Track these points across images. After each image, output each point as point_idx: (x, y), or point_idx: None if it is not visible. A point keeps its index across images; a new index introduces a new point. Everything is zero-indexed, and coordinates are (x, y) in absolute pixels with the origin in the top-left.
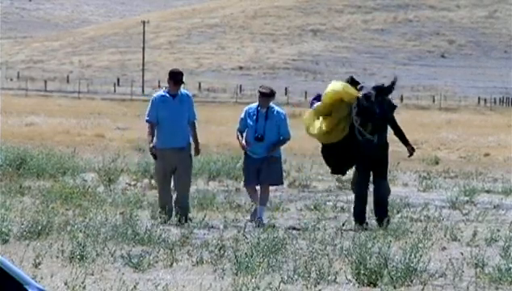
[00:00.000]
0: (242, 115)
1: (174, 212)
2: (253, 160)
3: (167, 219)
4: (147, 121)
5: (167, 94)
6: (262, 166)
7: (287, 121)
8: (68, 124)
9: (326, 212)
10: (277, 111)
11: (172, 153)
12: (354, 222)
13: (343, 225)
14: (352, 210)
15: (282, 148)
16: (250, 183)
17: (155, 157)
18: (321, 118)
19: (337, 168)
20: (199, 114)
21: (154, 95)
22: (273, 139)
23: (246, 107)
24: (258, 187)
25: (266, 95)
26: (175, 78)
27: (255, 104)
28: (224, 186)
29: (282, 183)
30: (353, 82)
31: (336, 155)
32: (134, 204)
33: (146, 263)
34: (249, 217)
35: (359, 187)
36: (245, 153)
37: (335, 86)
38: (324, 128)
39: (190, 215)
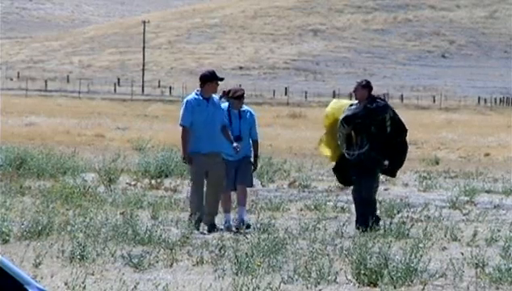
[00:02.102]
0: None
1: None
2: (229, 162)
3: (198, 226)
4: (182, 125)
5: (201, 97)
6: (238, 168)
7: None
8: (68, 124)
9: (326, 212)
10: (250, 113)
11: (206, 158)
12: (355, 226)
13: (343, 225)
14: (355, 215)
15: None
16: (228, 187)
17: (190, 162)
18: (326, 139)
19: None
20: None
21: (188, 98)
22: (247, 140)
23: None
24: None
25: (240, 97)
26: (210, 79)
27: (225, 105)
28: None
29: (252, 185)
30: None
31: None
32: (134, 204)
33: (146, 263)
34: (222, 226)
35: (357, 194)
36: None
37: (327, 109)
38: (331, 147)
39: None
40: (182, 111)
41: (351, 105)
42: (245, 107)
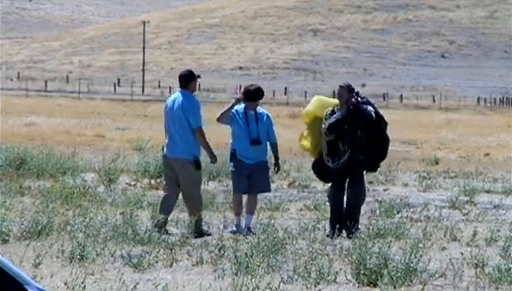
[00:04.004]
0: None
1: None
2: (245, 165)
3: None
4: (200, 127)
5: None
6: (254, 173)
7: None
8: (68, 124)
9: (326, 213)
10: (267, 115)
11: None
12: (329, 231)
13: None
14: (329, 221)
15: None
16: (240, 190)
17: (200, 166)
18: (307, 133)
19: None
20: None
21: (195, 99)
22: (265, 143)
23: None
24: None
25: (258, 97)
26: (194, 77)
27: (241, 106)
28: (224, 186)
29: (270, 190)
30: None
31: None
32: (134, 204)
33: (146, 263)
34: (231, 228)
35: (334, 200)
36: (235, 159)
37: (308, 106)
38: (311, 143)
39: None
40: (196, 112)
41: (333, 112)
42: (261, 110)
